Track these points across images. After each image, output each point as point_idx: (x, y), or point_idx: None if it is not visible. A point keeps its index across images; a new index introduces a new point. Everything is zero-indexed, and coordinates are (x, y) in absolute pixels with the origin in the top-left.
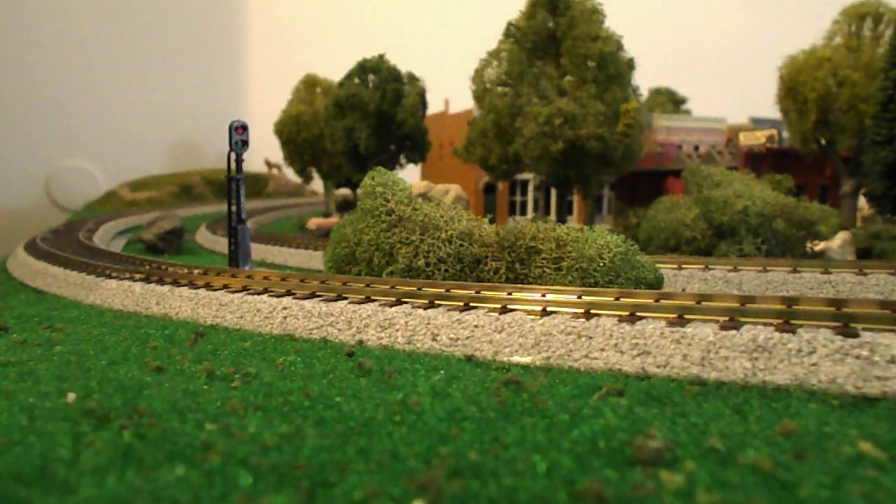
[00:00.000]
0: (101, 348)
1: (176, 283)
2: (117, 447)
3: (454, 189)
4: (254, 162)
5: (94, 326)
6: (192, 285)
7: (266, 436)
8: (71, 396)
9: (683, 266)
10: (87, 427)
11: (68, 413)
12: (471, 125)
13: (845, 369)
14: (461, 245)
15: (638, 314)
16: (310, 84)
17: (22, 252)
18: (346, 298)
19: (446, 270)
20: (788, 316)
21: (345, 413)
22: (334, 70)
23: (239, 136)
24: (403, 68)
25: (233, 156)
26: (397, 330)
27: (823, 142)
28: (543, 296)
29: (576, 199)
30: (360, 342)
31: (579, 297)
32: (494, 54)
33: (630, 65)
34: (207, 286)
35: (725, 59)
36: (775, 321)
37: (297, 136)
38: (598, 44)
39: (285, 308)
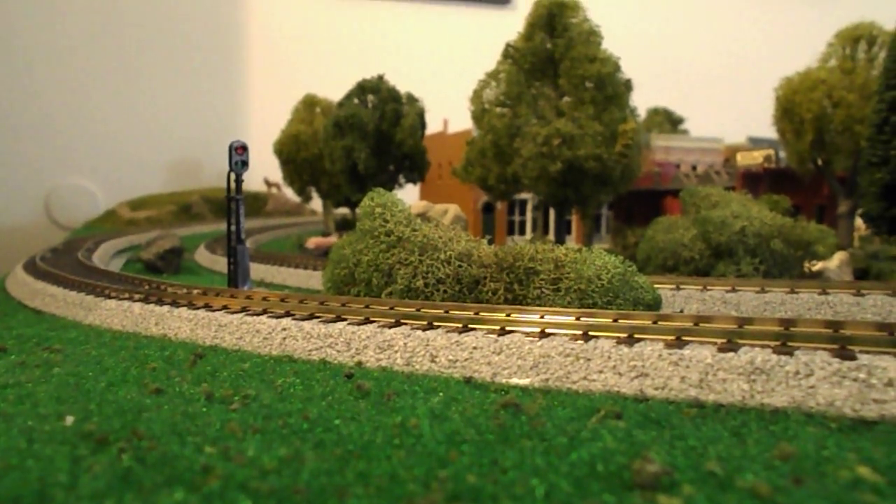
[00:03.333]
0: (100, 370)
1: (175, 303)
2: (116, 471)
3: (453, 209)
4: (253, 181)
5: (92, 347)
6: (191, 306)
7: (265, 459)
8: (69, 419)
9: (682, 286)
10: (86, 450)
11: (67, 436)
12: (469, 145)
13: (843, 392)
14: (460, 266)
15: (636, 336)
16: (309, 104)
17: (21, 271)
18: (345, 320)
19: (445, 291)
20: (786, 338)
21: (344, 436)
22: (334, 90)
23: (239, 156)
24: (402, 89)
25: (232, 176)
26: (396, 351)
27: (820, 162)
28: (542, 317)
29: (574, 218)
30: (359, 364)
31: (577, 318)
32: (493, 75)
33: (628, 86)
34: (206, 307)
35: (722, 79)
36: (773, 343)
37: (296, 155)
38: (596, 65)
39: (284, 329)
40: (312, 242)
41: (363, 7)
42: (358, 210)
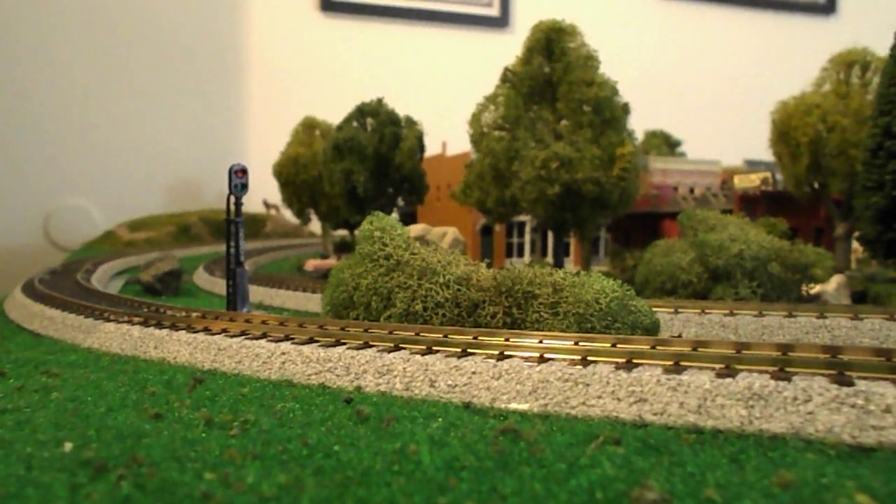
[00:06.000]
0: (98, 394)
1: (174, 326)
2: (115, 499)
3: (451, 232)
4: (252, 203)
5: (91, 371)
6: (191, 329)
7: (265, 486)
8: (68, 446)
9: (680, 310)
10: (85, 478)
11: (65, 463)
12: (468, 168)
13: (841, 418)
14: (458, 289)
15: (634, 361)
16: (309, 126)
17: (19, 293)
18: (344, 344)
19: (444, 315)
20: (784, 363)
21: (343, 462)
22: (333, 113)
23: (239, 179)
24: (401, 111)
25: (232, 199)
26: (395, 376)
27: (816, 185)
28: (540, 342)
29: (573, 241)
30: (359, 388)
31: (576, 343)
32: (491, 99)
33: (625, 109)
34: (206, 330)
35: (720, 102)
36: (771, 368)
37: (295, 177)
38: (594, 89)
39: (283, 353)
40: (311, 264)
41: (362, 30)
42: (357, 231)
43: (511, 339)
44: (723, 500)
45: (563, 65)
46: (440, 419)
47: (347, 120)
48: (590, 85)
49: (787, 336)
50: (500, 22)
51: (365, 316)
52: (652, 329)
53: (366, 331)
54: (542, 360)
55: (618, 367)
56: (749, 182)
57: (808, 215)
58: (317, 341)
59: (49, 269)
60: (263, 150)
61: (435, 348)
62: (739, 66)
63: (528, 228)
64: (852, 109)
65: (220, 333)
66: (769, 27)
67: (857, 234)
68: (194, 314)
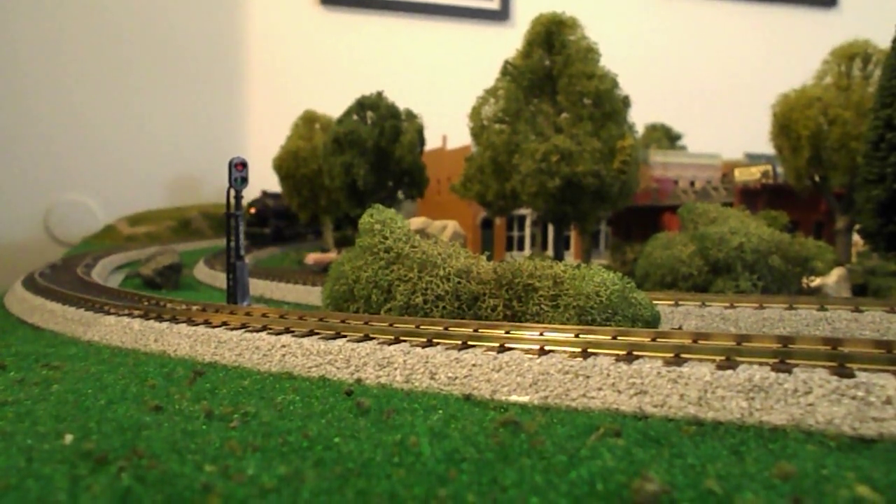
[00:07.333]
0: (99, 387)
1: (174, 319)
2: (115, 490)
3: (452, 225)
4: (252, 197)
5: (92, 364)
6: (191, 322)
7: (265, 478)
8: (68, 438)
9: (680, 302)
10: (85, 470)
11: (66, 455)
12: (468, 161)
13: (842, 410)
14: (459, 282)
15: (635, 353)
16: (309, 120)
17: (20, 287)
18: (344, 336)
19: (444, 307)
20: (784, 355)
21: (343, 454)
22: (333, 107)
23: (239, 172)
24: (401, 105)
25: (232, 192)
26: (396, 368)
27: (817, 178)
28: (541, 334)
29: (573, 234)
30: (359, 381)
31: (576, 335)
32: (492, 92)
33: (626, 102)
34: (206, 323)
35: (720, 95)
36: (771, 360)
37: (295, 171)
38: (594, 82)
39: (284, 346)
40: (312, 258)
41: (362, 23)
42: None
43: (511, 332)
44: (723, 492)
45: (564, 58)
46: (440, 411)
47: (347, 113)
48: (590, 78)
49: (788, 328)
50: (501, 15)
51: (365, 309)
52: (652, 321)
53: (366, 323)
54: (542, 352)
55: (618, 359)
56: (749, 175)
57: (809, 208)
58: (317, 334)
59: (49, 264)
60: (263, 143)
61: (435, 341)
62: (740, 58)
63: (528, 222)
64: (853, 102)
65: (220, 326)
66: (770, 20)
67: (857, 227)
68: (194, 307)
